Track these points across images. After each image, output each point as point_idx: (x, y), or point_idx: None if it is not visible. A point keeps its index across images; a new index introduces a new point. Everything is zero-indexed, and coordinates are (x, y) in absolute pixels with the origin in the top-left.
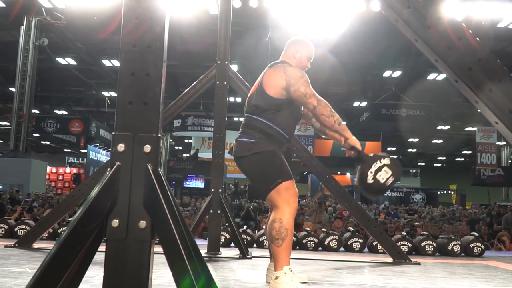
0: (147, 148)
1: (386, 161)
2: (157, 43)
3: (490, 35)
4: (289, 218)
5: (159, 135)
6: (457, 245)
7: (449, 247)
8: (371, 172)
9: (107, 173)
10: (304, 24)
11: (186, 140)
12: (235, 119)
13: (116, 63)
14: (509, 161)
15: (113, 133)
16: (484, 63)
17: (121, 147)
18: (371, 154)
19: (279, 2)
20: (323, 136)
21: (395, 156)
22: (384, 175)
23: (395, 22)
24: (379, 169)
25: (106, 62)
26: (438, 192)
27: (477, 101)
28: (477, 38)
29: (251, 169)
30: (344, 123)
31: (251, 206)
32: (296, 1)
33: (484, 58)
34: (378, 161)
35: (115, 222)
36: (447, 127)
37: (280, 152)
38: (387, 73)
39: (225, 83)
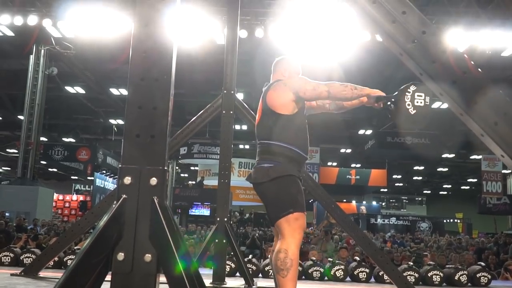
0: (154, 181)
1: (412, 87)
2: (165, 77)
3: (494, 64)
4: (294, 249)
5: (165, 168)
6: (464, 275)
7: (456, 277)
8: (409, 104)
9: (114, 205)
10: (309, 53)
11: (192, 168)
12: (241, 146)
13: (124, 92)
14: None
15: (119, 165)
16: (490, 97)
17: (127, 180)
18: (396, 92)
19: (284, 32)
20: (343, 110)
21: (401, 184)
22: (420, 99)
23: (399, 56)
24: (412, 97)
25: (114, 91)
26: (444, 221)
27: (483, 134)
28: (479, 69)
29: (268, 194)
30: (357, 86)
31: (257, 234)
32: (301, 32)
33: (489, 92)
34: (407, 92)
35: (120, 256)
36: (452, 155)
37: (298, 178)
38: None
39: (231, 112)
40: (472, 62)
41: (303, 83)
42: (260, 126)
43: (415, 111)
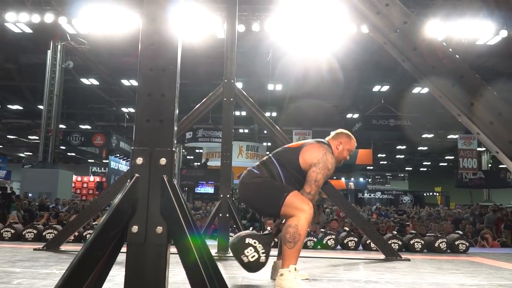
0: (163, 161)
1: (248, 239)
2: (171, 67)
3: (470, 52)
4: (304, 224)
5: (174, 149)
6: (444, 243)
7: (436, 245)
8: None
9: (127, 184)
10: (301, 45)
11: (197, 150)
12: (240, 130)
13: (134, 83)
14: (489, 165)
15: (132, 147)
16: (466, 79)
17: (139, 160)
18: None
19: (278, 27)
20: None
21: (385, 162)
22: (252, 253)
23: (383, 44)
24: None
25: (125, 82)
26: (425, 194)
27: (460, 114)
28: (457, 56)
29: (256, 193)
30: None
31: None
32: (294, 26)
33: (466, 75)
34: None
35: (134, 228)
36: (431, 135)
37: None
38: (376, 88)
39: (232, 99)
40: (450, 49)
41: (324, 171)
42: (286, 151)
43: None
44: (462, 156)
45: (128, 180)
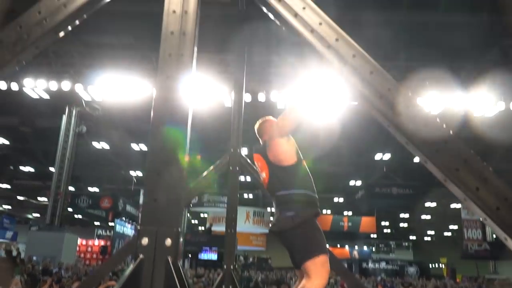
0: (168, 242)
1: None
2: (179, 147)
3: (468, 123)
4: None
5: (179, 229)
6: None
7: None
8: None
9: (132, 265)
10: (305, 112)
11: (202, 215)
12: (245, 196)
13: (143, 147)
14: (494, 236)
15: (138, 226)
16: (470, 164)
17: (144, 240)
18: None
19: (283, 97)
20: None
21: (389, 231)
22: None
23: (387, 127)
24: None
25: (134, 146)
26: (430, 265)
27: (465, 199)
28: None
29: (294, 241)
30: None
31: (260, 278)
32: (297, 96)
33: (470, 159)
34: None
35: None
36: (434, 204)
37: (316, 219)
38: (378, 156)
39: (238, 169)
40: (451, 132)
41: (277, 127)
42: (271, 183)
43: None
44: (466, 227)
45: (133, 261)
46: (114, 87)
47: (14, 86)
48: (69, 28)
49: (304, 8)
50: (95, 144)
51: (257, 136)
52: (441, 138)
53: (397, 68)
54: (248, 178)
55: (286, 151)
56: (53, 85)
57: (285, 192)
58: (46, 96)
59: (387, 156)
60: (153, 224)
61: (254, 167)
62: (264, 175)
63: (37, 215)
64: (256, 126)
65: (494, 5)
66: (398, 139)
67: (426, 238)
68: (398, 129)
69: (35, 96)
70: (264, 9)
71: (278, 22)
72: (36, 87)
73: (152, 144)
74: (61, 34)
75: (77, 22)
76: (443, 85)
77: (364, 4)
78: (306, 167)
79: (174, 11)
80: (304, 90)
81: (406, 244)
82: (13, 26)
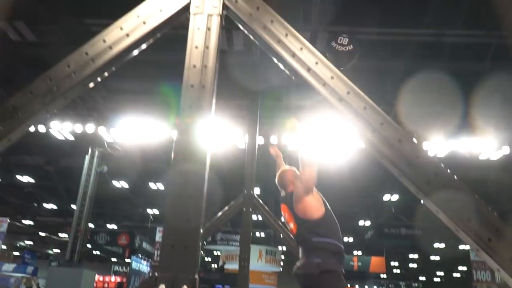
0: None
1: None
2: (198, 194)
3: (473, 166)
4: None
5: (196, 277)
6: None
7: None
8: None
9: None
10: (315, 154)
11: (215, 253)
12: (257, 234)
13: (161, 186)
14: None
15: (156, 273)
16: (482, 214)
17: (162, 287)
18: None
19: (294, 140)
20: None
21: (398, 271)
22: None
23: (398, 177)
24: None
25: (152, 185)
26: None
27: (478, 249)
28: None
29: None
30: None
31: None
32: (307, 140)
33: (481, 208)
34: None
35: None
36: (442, 245)
37: (342, 273)
38: (386, 197)
39: (251, 210)
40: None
41: (301, 185)
42: (300, 234)
43: None
44: (475, 268)
45: None
46: (134, 129)
47: (42, 128)
48: (98, 79)
49: (316, 63)
50: (115, 182)
51: (279, 188)
52: (451, 189)
53: (403, 113)
54: (260, 217)
55: (313, 206)
56: (78, 128)
57: (314, 239)
58: (71, 138)
59: (395, 197)
60: (170, 270)
61: (266, 208)
62: (292, 226)
63: (58, 251)
64: (277, 179)
65: (496, 54)
66: (410, 189)
67: (435, 279)
68: (409, 180)
69: (60, 137)
70: (281, 67)
71: (292, 76)
72: (62, 129)
73: (170, 188)
74: (90, 85)
75: (105, 74)
76: (448, 130)
77: (369, 53)
78: (333, 213)
79: (194, 66)
80: (315, 133)
81: (416, 284)
82: (43, 78)
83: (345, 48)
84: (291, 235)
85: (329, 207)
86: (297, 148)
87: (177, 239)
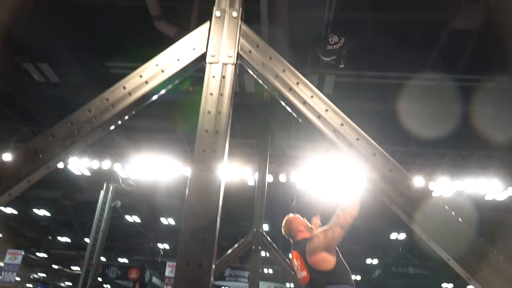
0: None
1: None
2: (210, 237)
3: (479, 206)
4: None
5: None
6: None
7: None
8: None
9: None
10: (323, 192)
11: None
12: (265, 271)
13: (172, 221)
14: None
15: None
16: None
17: None
18: None
19: (302, 178)
20: None
21: None
22: None
23: (407, 223)
24: None
25: (163, 220)
26: None
27: (469, 278)
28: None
29: None
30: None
31: None
32: (315, 177)
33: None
34: None
35: None
36: (451, 285)
37: None
38: (393, 236)
39: (260, 247)
40: (460, 219)
41: (324, 239)
42: (314, 282)
43: None
44: None
45: None
46: (148, 166)
47: (60, 164)
48: (119, 122)
49: (327, 110)
50: (128, 217)
51: (286, 237)
52: (442, 217)
53: (409, 153)
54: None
55: (328, 260)
56: (95, 164)
57: (328, 286)
58: (87, 173)
59: (402, 236)
60: None
61: (275, 246)
62: (304, 273)
63: (70, 283)
64: (283, 230)
65: (499, 99)
66: (418, 233)
67: None
68: (419, 227)
69: (77, 172)
70: (295, 115)
71: (302, 121)
72: (79, 165)
73: (184, 232)
74: (111, 128)
75: (126, 117)
76: (453, 171)
77: (373, 94)
78: (341, 257)
79: (209, 112)
80: (325, 173)
81: None
82: (65, 123)
83: (337, 45)
84: (300, 282)
85: (339, 251)
86: (336, 204)
87: (189, 284)
